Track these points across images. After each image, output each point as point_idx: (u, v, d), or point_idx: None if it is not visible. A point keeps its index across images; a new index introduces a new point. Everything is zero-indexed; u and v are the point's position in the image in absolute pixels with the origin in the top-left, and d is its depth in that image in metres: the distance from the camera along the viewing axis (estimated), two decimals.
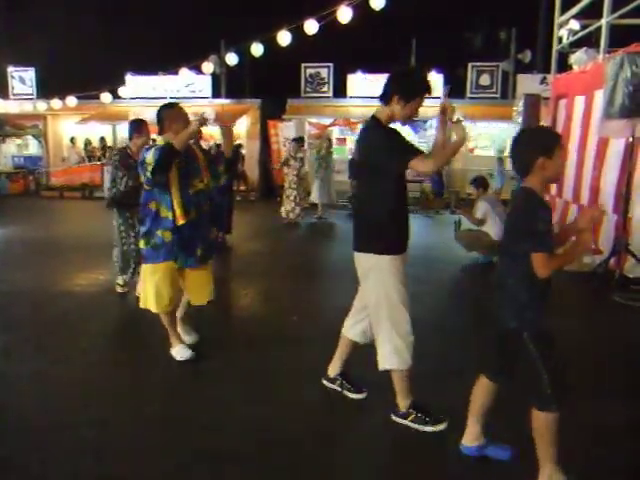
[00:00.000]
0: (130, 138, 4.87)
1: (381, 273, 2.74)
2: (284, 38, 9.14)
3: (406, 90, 2.79)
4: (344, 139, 15.66)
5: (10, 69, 16.91)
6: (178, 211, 3.38)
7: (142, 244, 3.52)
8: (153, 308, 3.54)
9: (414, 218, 10.35)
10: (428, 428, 2.76)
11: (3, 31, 18.71)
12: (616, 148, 6.12)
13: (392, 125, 2.87)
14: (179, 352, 3.65)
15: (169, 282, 3.49)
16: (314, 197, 10.81)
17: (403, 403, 2.84)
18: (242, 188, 14.17)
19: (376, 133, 2.78)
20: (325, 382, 3.23)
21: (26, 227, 9.61)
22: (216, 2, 20.18)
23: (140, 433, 2.83)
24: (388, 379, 2.84)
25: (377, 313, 2.79)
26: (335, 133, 15.78)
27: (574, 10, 7.85)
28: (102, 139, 15.97)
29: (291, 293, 5.56)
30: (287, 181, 10.06)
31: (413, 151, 2.68)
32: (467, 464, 2.52)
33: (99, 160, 15.26)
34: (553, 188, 8.06)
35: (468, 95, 15.10)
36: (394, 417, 2.87)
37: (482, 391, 2.49)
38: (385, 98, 2.82)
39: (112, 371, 3.60)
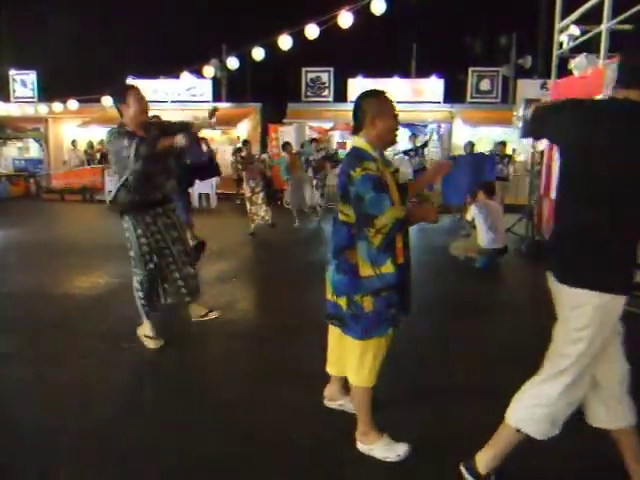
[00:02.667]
0: (120, 112, 3.55)
1: (599, 317, 2.01)
2: (285, 42, 9.16)
3: None
4: (344, 143, 15.69)
5: (12, 72, 16.98)
6: (399, 244, 2.43)
7: (342, 302, 2.51)
8: (366, 383, 2.58)
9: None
10: None
11: (5, 35, 18.79)
12: None
13: None
14: (391, 450, 2.59)
15: (382, 352, 2.57)
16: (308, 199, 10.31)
17: (485, 463, 2.25)
18: (242, 192, 14.17)
19: None
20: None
21: (27, 229, 9.61)
22: (217, 6, 20.25)
23: (139, 435, 2.82)
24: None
25: (559, 360, 2.14)
26: (335, 137, 15.83)
27: (574, 16, 7.86)
28: (102, 142, 15.99)
29: (285, 297, 5.56)
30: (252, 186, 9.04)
31: None
32: None
33: (99, 163, 15.30)
34: (553, 192, 8.06)
35: (468, 100, 15.16)
36: (462, 468, 2.32)
37: None
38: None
39: (111, 374, 3.59)
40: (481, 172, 7.81)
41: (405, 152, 11.61)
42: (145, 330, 3.89)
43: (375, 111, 2.46)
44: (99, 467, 2.55)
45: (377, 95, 2.53)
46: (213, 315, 4.21)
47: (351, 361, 2.59)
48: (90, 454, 2.65)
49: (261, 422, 2.95)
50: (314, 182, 10.60)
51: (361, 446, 2.65)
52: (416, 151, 11.43)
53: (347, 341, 2.59)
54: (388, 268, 2.39)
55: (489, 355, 3.92)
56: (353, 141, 2.52)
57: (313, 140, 11.62)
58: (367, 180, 2.28)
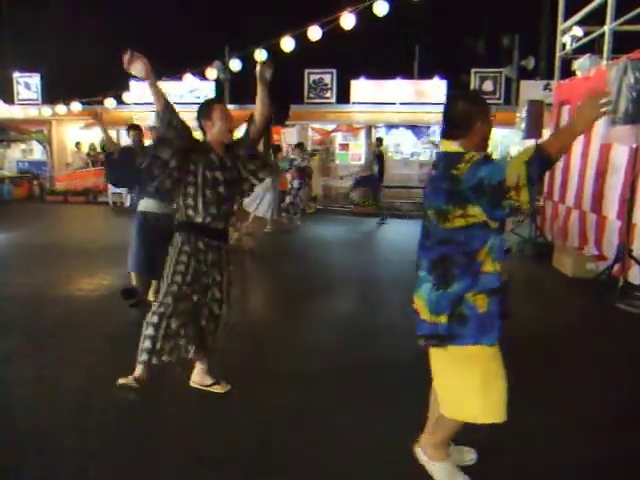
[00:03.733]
0: (202, 129, 3.12)
1: None
2: (288, 44, 9.18)
3: None
4: (347, 145, 15.71)
5: (15, 75, 17.04)
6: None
7: (444, 318, 2.21)
8: (480, 417, 2.25)
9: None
10: None
11: (9, 37, 18.87)
12: (619, 154, 6.11)
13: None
14: (450, 477, 2.39)
15: (496, 373, 2.25)
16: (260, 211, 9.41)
17: None
18: None
19: None
20: None
21: (30, 231, 9.64)
22: (220, 8, 20.30)
23: (141, 437, 2.83)
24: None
25: None
26: (338, 139, 15.85)
27: (577, 17, 7.86)
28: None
29: (282, 299, 5.56)
30: None
31: None
32: None
33: (102, 165, 15.35)
34: (556, 194, 8.05)
35: None
36: None
37: None
38: None
39: (114, 375, 3.59)
40: None
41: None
42: (136, 373, 2.98)
43: (482, 117, 2.24)
44: (101, 468, 2.56)
45: (481, 99, 2.34)
46: (218, 389, 3.30)
47: (451, 394, 2.30)
48: (92, 455, 2.65)
49: (262, 423, 2.95)
50: (292, 190, 10.63)
51: (421, 455, 2.48)
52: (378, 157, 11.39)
53: (444, 370, 2.30)
54: (498, 267, 2.20)
55: None
56: (443, 147, 2.30)
57: (298, 145, 11.55)
58: (476, 165, 2.08)
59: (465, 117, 2.22)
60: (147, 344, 2.93)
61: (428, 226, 2.29)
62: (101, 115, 5.15)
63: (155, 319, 2.93)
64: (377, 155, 11.46)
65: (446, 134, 2.29)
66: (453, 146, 2.24)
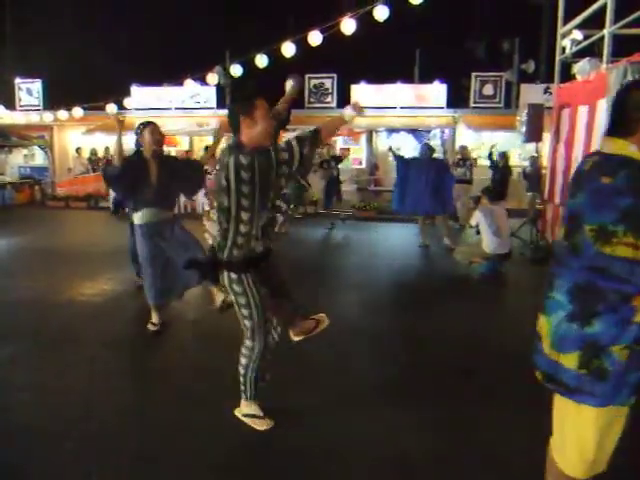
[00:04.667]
0: (236, 126, 2.68)
1: None
2: (288, 49, 9.21)
3: None
4: (348, 149, 15.72)
5: (17, 81, 17.12)
6: None
7: (572, 363, 1.83)
8: (571, 470, 1.94)
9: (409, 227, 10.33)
10: None
11: (10, 44, 18.96)
12: None
13: None
14: None
15: (613, 436, 1.90)
16: None
17: None
18: None
19: None
20: None
21: (32, 236, 9.65)
22: (220, 13, 20.38)
23: (142, 442, 2.83)
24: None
25: None
26: (339, 143, 15.85)
27: (577, 20, 7.87)
28: (107, 149, 16.08)
29: None
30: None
31: None
32: None
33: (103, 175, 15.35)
34: (556, 197, 8.05)
35: (472, 105, 15.16)
36: None
37: None
38: None
39: (115, 380, 3.59)
40: (440, 182, 7.62)
41: (321, 163, 11.64)
42: (250, 409, 3.02)
43: None
44: (102, 470, 2.56)
45: None
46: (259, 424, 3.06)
47: (574, 442, 1.92)
48: (92, 459, 2.65)
49: (265, 429, 2.95)
50: None
51: None
52: (328, 163, 11.37)
53: (560, 416, 1.97)
54: None
55: (508, 375, 3.91)
56: (614, 146, 1.81)
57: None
58: None
59: (635, 106, 1.77)
60: (249, 381, 2.97)
61: (578, 243, 1.84)
62: (123, 121, 4.52)
63: (246, 362, 2.94)
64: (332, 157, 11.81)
65: (611, 129, 1.86)
66: (627, 146, 1.78)
